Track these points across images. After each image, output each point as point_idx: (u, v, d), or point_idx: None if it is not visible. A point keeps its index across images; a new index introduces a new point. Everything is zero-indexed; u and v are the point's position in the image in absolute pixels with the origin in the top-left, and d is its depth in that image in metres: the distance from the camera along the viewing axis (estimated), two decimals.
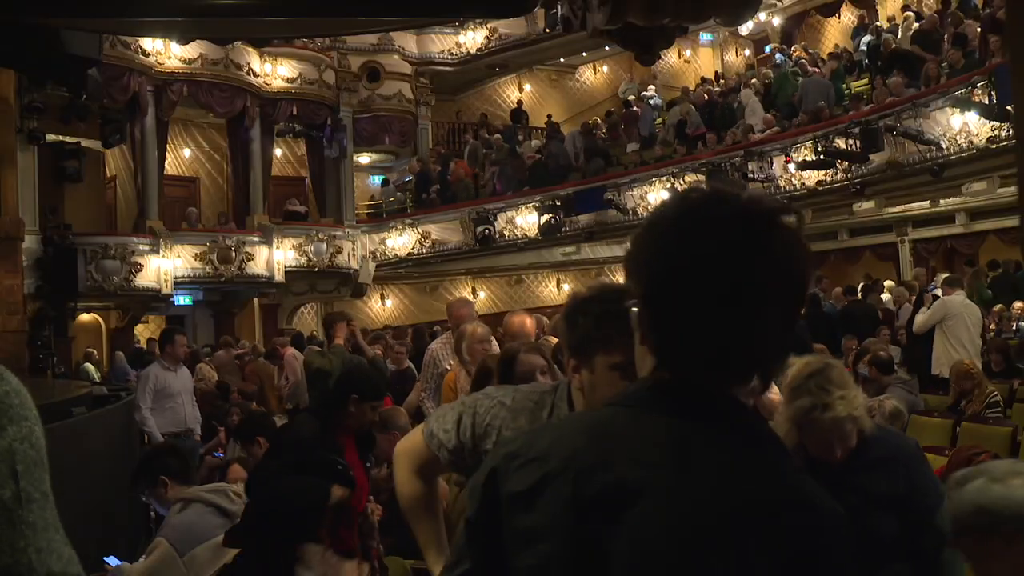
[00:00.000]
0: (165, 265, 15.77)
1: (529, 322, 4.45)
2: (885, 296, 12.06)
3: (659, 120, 18.57)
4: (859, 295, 12.23)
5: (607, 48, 19.36)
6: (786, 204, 1.06)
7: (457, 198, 18.56)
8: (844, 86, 16.02)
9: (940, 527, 2.16)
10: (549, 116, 21.36)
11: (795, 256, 1.02)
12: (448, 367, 5.22)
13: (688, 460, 0.96)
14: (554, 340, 4.01)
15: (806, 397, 2.40)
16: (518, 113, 22.12)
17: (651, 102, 18.97)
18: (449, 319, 5.53)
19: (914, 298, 11.09)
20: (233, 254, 16.57)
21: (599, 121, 19.64)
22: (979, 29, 12.90)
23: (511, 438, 1.13)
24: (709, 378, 1.02)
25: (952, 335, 8.29)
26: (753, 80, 17.01)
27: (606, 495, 0.96)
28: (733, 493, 0.93)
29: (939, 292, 9.32)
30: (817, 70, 16.05)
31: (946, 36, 13.84)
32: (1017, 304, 11.06)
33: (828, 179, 13.69)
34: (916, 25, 15.19)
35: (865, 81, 15.59)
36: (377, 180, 21.31)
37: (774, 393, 3.82)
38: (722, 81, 19.74)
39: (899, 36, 15.32)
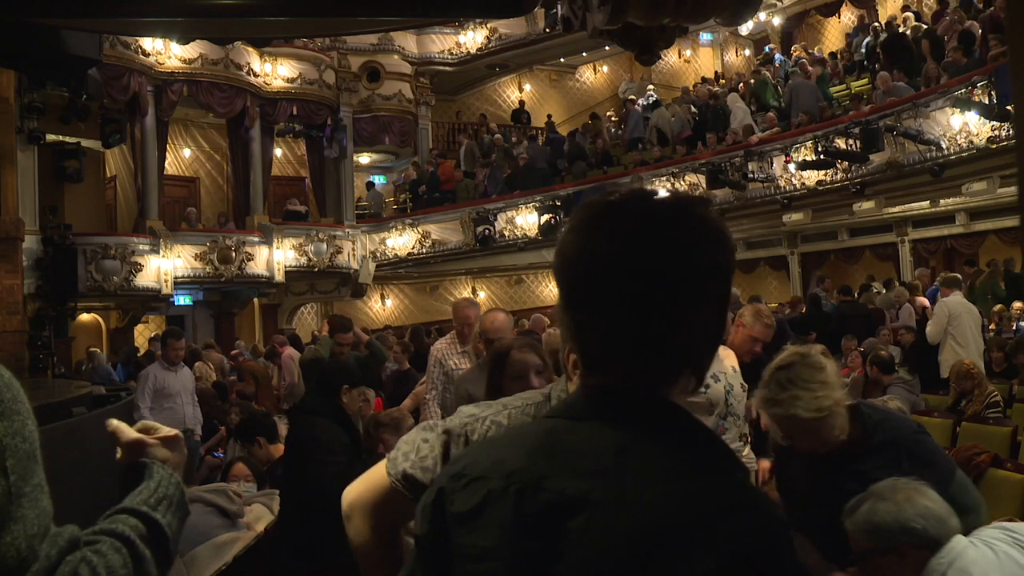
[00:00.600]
0: (165, 265, 15.77)
1: (503, 318, 4.25)
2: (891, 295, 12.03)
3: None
4: (857, 295, 12.25)
5: (607, 48, 19.38)
6: (702, 197, 1.06)
7: (457, 198, 18.59)
8: (843, 86, 16.02)
9: (952, 498, 2.15)
10: (549, 116, 21.37)
11: (714, 248, 1.01)
12: (454, 366, 5.13)
13: (627, 468, 0.94)
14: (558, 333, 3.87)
15: (764, 389, 2.41)
16: (519, 113, 22.13)
17: (644, 102, 19.01)
18: (454, 319, 5.36)
19: (918, 299, 11.06)
20: (233, 254, 16.57)
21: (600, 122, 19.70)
22: (979, 29, 12.91)
23: (458, 456, 1.13)
24: (638, 380, 1.00)
25: (959, 335, 8.26)
26: (751, 81, 17.02)
27: (548, 509, 0.95)
28: (675, 499, 0.91)
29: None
30: (816, 70, 16.06)
31: (943, 30, 13.84)
32: (1016, 304, 11.05)
33: (828, 179, 13.69)
34: (916, 24, 15.20)
35: (865, 81, 15.60)
36: (378, 180, 21.34)
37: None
38: (722, 81, 19.75)
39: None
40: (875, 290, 13.15)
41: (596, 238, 1.01)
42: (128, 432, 1.38)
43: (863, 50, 16.36)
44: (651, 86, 20.57)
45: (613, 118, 20.07)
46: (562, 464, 0.97)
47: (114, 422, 1.39)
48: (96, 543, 1.17)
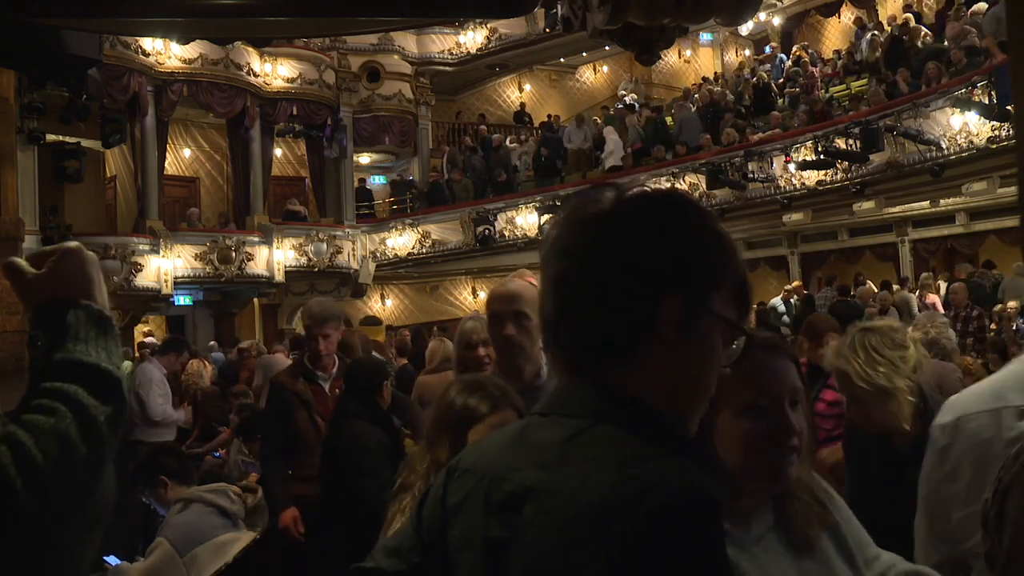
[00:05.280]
0: (165, 265, 15.77)
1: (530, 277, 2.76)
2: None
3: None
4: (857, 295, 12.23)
5: (607, 48, 19.36)
6: (673, 191, 1.13)
7: (457, 198, 18.61)
8: (843, 86, 15.99)
9: None
10: (549, 116, 21.36)
11: (672, 240, 1.03)
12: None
13: (569, 458, 0.97)
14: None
15: (844, 345, 2.43)
16: (521, 115, 22.13)
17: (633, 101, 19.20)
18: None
19: (929, 297, 11.00)
20: (233, 254, 16.57)
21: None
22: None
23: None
24: (594, 374, 1.03)
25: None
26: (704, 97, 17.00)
27: (509, 498, 1.00)
28: (595, 487, 0.92)
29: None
30: (816, 71, 16.05)
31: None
32: (1012, 303, 11.04)
33: (828, 179, 13.70)
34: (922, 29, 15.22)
35: (865, 81, 15.60)
36: (377, 180, 21.37)
37: None
38: (721, 81, 19.76)
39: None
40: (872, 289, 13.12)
41: (561, 230, 1.09)
42: (24, 268, 1.17)
43: (863, 50, 16.35)
44: (624, 91, 20.57)
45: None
46: (525, 457, 1.02)
47: (15, 260, 1.18)
48: (23, 419, 1.03)
